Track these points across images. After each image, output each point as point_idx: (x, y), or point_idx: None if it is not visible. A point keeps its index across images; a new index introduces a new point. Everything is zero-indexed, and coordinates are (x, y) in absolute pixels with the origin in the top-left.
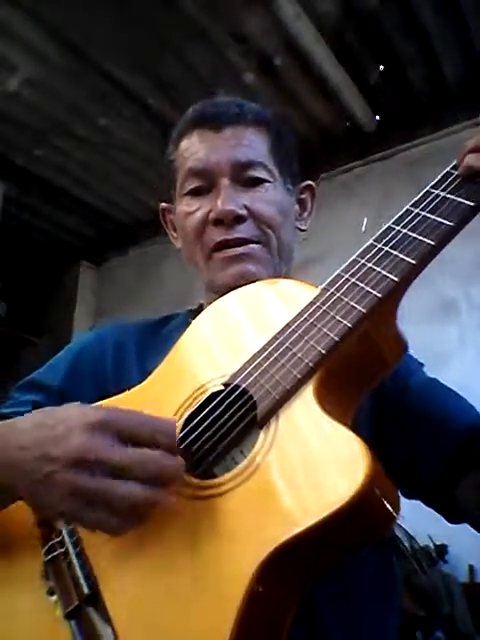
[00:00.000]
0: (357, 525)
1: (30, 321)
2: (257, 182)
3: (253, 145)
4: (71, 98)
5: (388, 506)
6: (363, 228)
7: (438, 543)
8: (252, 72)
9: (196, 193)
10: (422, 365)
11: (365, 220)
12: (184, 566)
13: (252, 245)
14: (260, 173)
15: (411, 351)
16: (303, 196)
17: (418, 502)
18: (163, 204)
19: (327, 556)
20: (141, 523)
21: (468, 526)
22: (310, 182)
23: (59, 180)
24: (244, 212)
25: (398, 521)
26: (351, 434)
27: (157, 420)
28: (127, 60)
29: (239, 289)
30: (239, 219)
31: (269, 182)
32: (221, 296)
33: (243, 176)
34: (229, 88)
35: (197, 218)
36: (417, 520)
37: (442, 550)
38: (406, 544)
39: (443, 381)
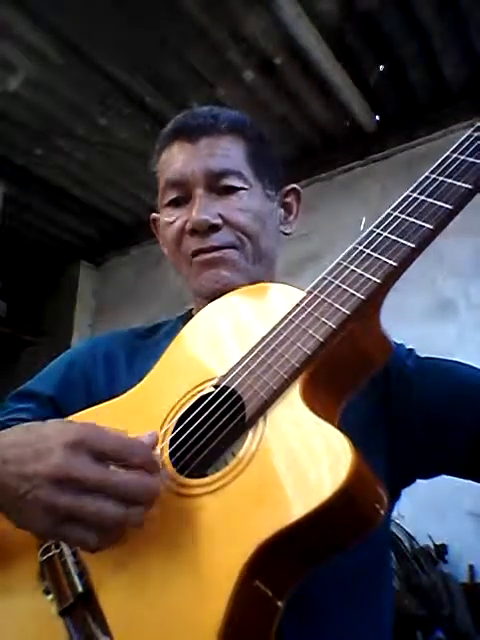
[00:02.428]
0: (344, 518)
1: (30, 321)
2: (232, 190)
3: (228, 154)
4: (71, 98)
5: (373, 499)
6: (362, 227)
7: (438, 543)
8: (252, 72)
9: (175, 204)
10: (412, 349)
11: (364, 219)
12: (175, 563)
13: (226, 250)
14: (234, 181)
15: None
16: (288, 200)
17: (418, 503)
18: (154, 214)
19: (315, 549)
20: (119, 540)
21: (468, 526)
22: (295, 185)
23: (59, 180)
24: (218, 221)
25: (398, 521)
26: (336, 431)
27: (133, 440)
28: (127, 60)
29: (228, 294)
30: (213, 228)
31: (244, 189)
32: (209, 301)
33: (218, 185)
34: (229, 88)
35: (176, 228)
36: (417, 520)
37: (442, 550)
38: (406, 544)
39: None
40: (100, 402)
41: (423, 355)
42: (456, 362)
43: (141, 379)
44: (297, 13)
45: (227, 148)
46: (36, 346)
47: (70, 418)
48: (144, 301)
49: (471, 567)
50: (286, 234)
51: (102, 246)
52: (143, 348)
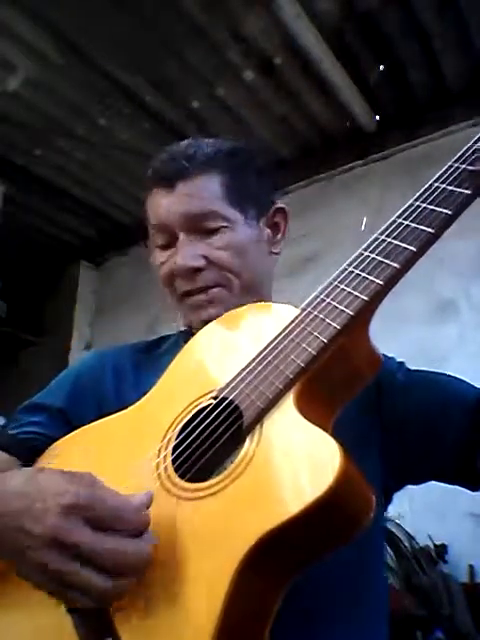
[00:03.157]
0: (333, 518)
1: (30, 321)
2: (212, 231)
3: (203, 194)
4: (71, 98)
5: (362, 500)
6: (363, 227)
7: (438, 543)
8: (252, 72)
9: (163, 247)
10: (402, 362)
11: (365, 219)
12: (175, 563)
13: (213, 290)
14: (213, 222)
15: (411, 351)
16: (276, 219)
17: (418, 503)
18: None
19: (307, 549)
20: (112, 603)
21: (468, 526)
22: (281, 205)
23: (59, 180)
24: (201, 263)
25: (398, 521)
26: (327, 436)
27: (127, 505)
28: (127, 60)
29: (229, 312)
30: (197, 270)
31: (225, 227)
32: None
33: (198, 227)
34: (229, 88)
35: (165, 270)
36: (417, 520)
37: (442, 550)
38: (406, 544)
39: None
40: (109, 413)
41: (413, 368)
42: (444, 374)
43: (146, 392)
44: (297, 13)
45: (202, 189)
46: (36, 346)
47: (81, 429)
48: (144, 301)
49: (471, 567)
50: (275, 253)
51: (102, 246)
52: (147, 362)
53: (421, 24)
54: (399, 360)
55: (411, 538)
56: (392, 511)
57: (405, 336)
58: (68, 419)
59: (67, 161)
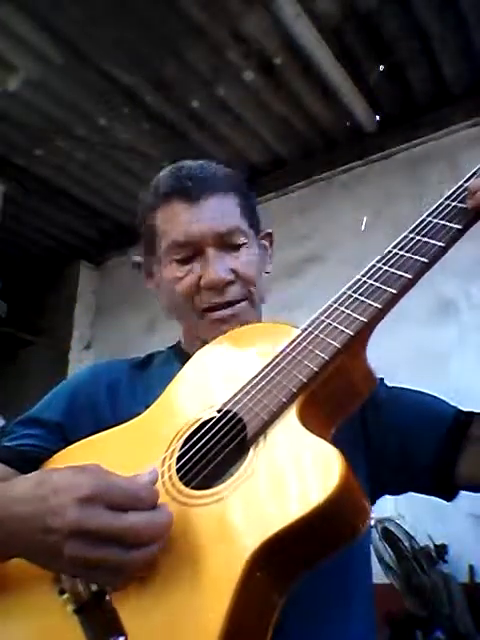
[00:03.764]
0: (334, 522)
1: (30, 321)
2: (237, 247)
3: (228, 213)
4: (71, 98)
5: (360, 506)
6: (363, 227)
7: (438, 543)
8: (252, 72)
9: (182, 262)
10: (382, 378)
11: (365, 219)
12: (183, 565)
13: (240, 304)
14: (239, 238)
15: (411, 350)
16: (265, 242)
17: (418, 503)
18: (137, 258)
19: (309, 553)
20: (135, 578)
21: (468, 526)
22: (270, 230)
23: (59, 180)
24: (232, 277)
25: (398, 521)
26: (329, 445)
27: (138, 484)
28: (127, 60)
29: (235, 330)
30: (228, 284)
31: (246, 243)
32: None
33: (226, 242)
34: (229, 88)
35: (187, 284)
36: (417, 520)
37: (442, 550)
38: (406, 544)
39: (442, 382)
40: (107, 428)
41: (391, 384)
42: (422, 393)
43: (146, 405)
44: (297, 13)
45: (226, 207)
46: (36, 346)
47: (83, 441)
48: (144, 301)
49: (471, 567)
50: (267, 273)
51: (102, 246)
52: (141, 377)
53: (421, 24)
54: (379, 376)
55: (411, 538)
56: (392, 511)
57: (405, 335)
58: (64, 434)
59: (67, 161)
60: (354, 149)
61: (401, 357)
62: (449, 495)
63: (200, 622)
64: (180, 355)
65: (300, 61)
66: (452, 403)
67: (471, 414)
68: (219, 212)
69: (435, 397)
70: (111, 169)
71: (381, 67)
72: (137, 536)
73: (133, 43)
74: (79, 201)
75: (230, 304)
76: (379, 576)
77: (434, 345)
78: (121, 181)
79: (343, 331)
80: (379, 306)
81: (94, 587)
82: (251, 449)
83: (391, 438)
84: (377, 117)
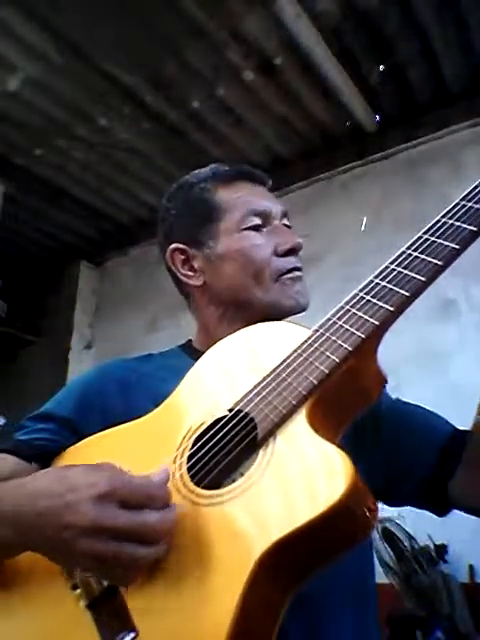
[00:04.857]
0: (342, 525)
1: (30, 321)
2: (290, 227)
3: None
4: (71, 98)
5: (367, 509)
6: (363, 227)
7: (438, 543)
8: (252, 72)
9: (256, 229)
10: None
11: (365, 219)
12: (193, 564)
13: (302, 272)
14: (289, 221)
15: (412, 349)
16: None
17: None
18: (177, 245)
19: (318, 554)
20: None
21: (468, 526)
22: None
23: (59, 180)
24: None
25: (398, 521)
26: (337, 449)
27: (152, 483)
28: (127, 60)
29: (246, 328)
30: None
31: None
32: (281, 319)
33: (283, 222)
34: (229, 88)
35: (267, 249)
36: (417, 520)
37: (442, 550)
38: (406, 544)
39: (443, 381)
40: (117, 424)
41: (394, 396)
42: (422, 408)
43: (155, 401)
44: (297, 13)
45: None
46: (36, 346)
47: (95, 437)
48: (144, 301)
49: (471, 567)
50: None
51: (102, 246)
52: (151, 372)
53: (421, 24)
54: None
55: (411, 538)
56: (392, 511)
57: (406, 335)
58: (76, 429)
59: (67, 161)
60: (354, 149)
61: (402, 356)
62: (442, 511)
63: (208, 620)
64: (193, 353)
65: (300, 61)
66: (452, 402)
67: (466, 433)
68: (275, 197)
69: (435, 414)
70: (111, 169)
71: (381, 67)
72: (150, 534)
73: (133, 43)
74: (79, 201)
75: (300, 269)
76: (379, 576)
77: (435, 344)
78: (121, 181)
79: (354, 333)
80: (391, 308)
81: (106, 583)
82: (261, 450)
83: (388, 450)
84: (377, 117)
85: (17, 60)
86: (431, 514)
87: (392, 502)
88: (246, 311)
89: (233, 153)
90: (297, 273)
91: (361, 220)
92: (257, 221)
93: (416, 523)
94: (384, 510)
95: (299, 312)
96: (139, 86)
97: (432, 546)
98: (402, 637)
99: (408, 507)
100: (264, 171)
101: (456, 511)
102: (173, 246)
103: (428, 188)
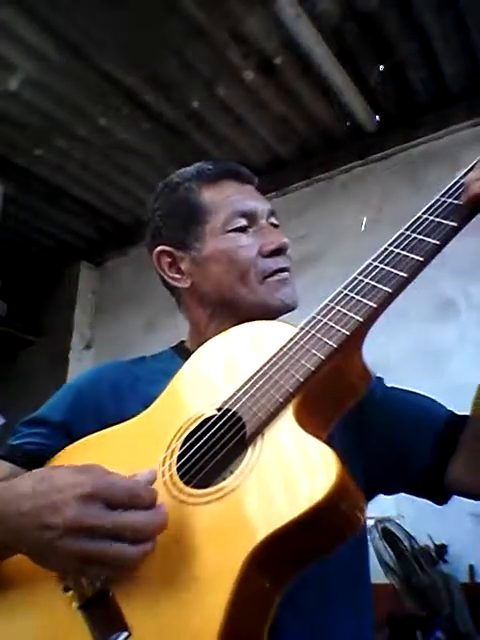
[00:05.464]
0: (330, 521)
1: (30, 321)
2: (277, 226)
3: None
4: (71, 98)
5: (355, 505)
6: (363, 227)
7: (438, 543)
8: (252, 72)
9: (241, 230)
10: (381, 378)
11: (365, 219)
12: (183, 562)
13: (290, 272)
14: (276, 220)
15: (411, 348)
16: None
17: (418, 503)
18: (163, 247)
19: (307, 550)
20: (132, 570)
21: (468, 526)
22: None
23: (59, 180)
24: None
25: (398, 521)
26: (324, 445)
27: (137, 483)
28: (127, 60)
29: (233, 328)
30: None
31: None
32: (270, 319)
33: (271, 221)
34: (229, 88)
35: (253, 250)
36: (417, 520)
37: (442, 550)
38: (406, 544)
39: (442, 380)
40: (111, 425)
41: (389, 384)
42: (419, 394)
43: (146, 404)
44: (297, 13)
45: None
46: (36, 346)
47: (85, 439)
48: (144, 301)
49: (471, 567)
50: None
51: (102, 246)
52: (144, 376)
53: (421, 24)
54: (377, 375)
55: (411, 538)
56: (392, 511)
57: (405, 333)
58: (70, 432)
59: (67, 161)
60: (354, 149)
61: (401, 355)
62: (441, 499)
63: (199, 619)
64: (184, 354)
65: (300, 61)
66: (452, 402)
67: (464, 417)
68: (262, 196)
69: (430, 399)
70: (111, 169)
71: (381, 67)
72: (134, 533)
73: (133, 43)
74: (79, 201)
75: (287, 270)
76: (379, 576)
77: (434, 344)
78: (121, 181)
79: (339, 330)
80: (374, 305)
81: (98, 584)
82: (250, 448)
83: (385, 439)
84: (377, 117)
85: (17, 60)
86: (431, 514)
87: (391, 490)
88: (234, 312)
89: (233, 153)
90: (284, 274)
91: (361, 220)
92: (243, 222)
93: (416, 523)
94: (384, 510)
95: (286, 312)
96: (139, 86)
97: (432, 546)
98: (402, 637)
99: (408, 507)
100: (264, 171)
101: (456, 511)
102: (159, 248)
103: (428, 188)
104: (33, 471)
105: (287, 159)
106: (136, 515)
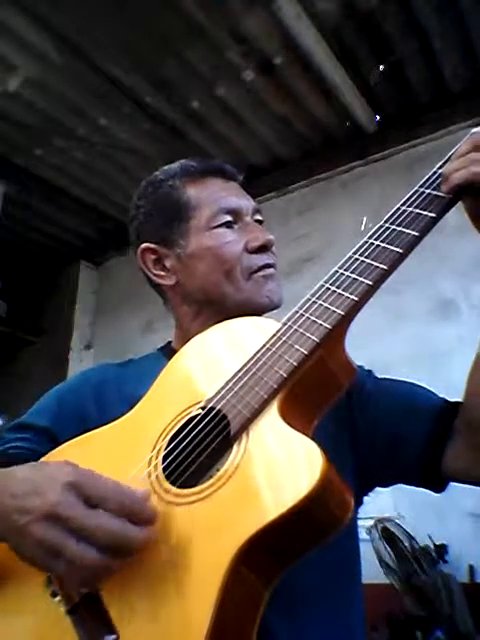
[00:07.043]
0: (317, 515)
1: (30, 321)
2: (261, 222)
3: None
4: (71, 98)
5: (341, 500)
6: (362, 227)
7: (438, 543)
8: (252, 72)
9: (227, 226)
10: (370, 371)
11: (364, 219)
12: (171, 562)
13: (275, 269)
14: (260, 217)
15: (411, 347)
16: None
17: (418, 503)
18: (148, 245)
19: (294, 547)
20: (100, 582)
21: (468, 526)
22: None
23: (59, 180)
24: None
25: (398, 521)
26: (310, 441)
27: (126, 489)
28: (127, 60)
29: (215, 326)
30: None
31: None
32: (256, 315)
33: (256, 218)
34: (229, 88)
35: (238, 246)
36: (417, 520)
37: (442, 550)
38: (406, 544)
39: (442, 380)
40: (94, 428)
41: (380, 376)
42: (409, 383)
43: (132, 405)
44: (297, 13)
45: None
46: (36, 346)
47: (71, 442)
48: (144, 301)
49: (471, 567)
50: None
51: (102, 246)
52: (129, 377)
53: (421, 24)
54: (367, 368)
55: (411, 538)
56: (392, 511)
57: (405, 333)
58: (54, 437)
59: (67, 161)
60: (354, 149)
61: (401, 355)
62: (438, 487)
63: (187, 619)
64: (170, 353)
65: (300, 61)
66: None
67: (457, 403)
68: (246, 193)
69: (422, 388)
70: (111, 169)
71: (381, 67)
72: (104, 539)
73: (133, 43)
74: (79, 201)
75: (272, 266)
76: (379, 576)
77: (434, 344)
78: (121, 181)
79: (321, 325)
80: (355, 298)
81: (85, 589)
82: (235, 446)
83: (378, 430)
84: (377, 117)
85: (17, 60)
86: (431, 514)
87: (388, 482)
88: (219, 309)
89: (233, 153)
90: (269, 270)
91: (361, 220)
92: (228, 218)
93: (416, 523)
94: (384, 510)
95: (272, 309)
96: (139, 86)
97: (432, 546)
98: (402, 637)
99: (408, 507)
100: (264, 171)
101: (456, 511)
102: (144, 246)
103: None
104: (29, 463)
105: (287, 159)
106: (111, 522)
